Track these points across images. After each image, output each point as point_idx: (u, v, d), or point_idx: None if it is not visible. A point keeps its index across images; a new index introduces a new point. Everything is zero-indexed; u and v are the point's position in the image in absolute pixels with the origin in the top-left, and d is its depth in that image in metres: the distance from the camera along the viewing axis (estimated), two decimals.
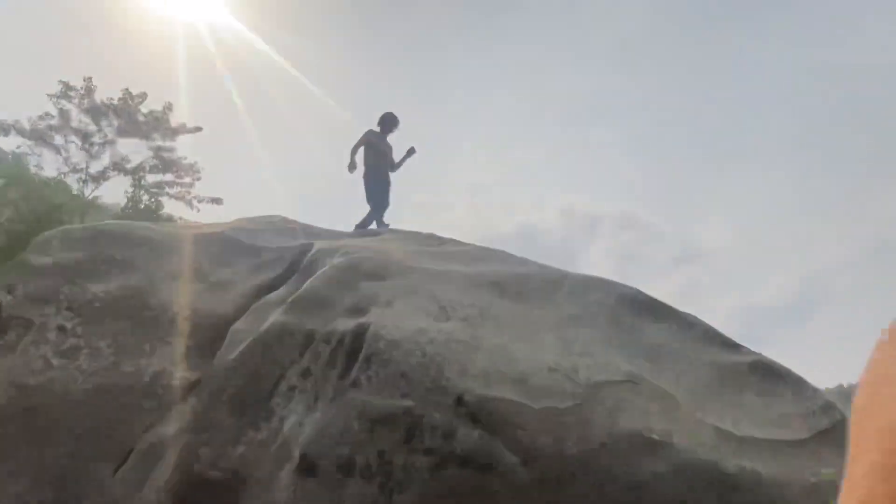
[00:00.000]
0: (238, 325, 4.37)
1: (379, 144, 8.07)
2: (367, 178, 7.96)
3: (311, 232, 6.34)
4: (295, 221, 6.70)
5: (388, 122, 8.24)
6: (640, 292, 4.32)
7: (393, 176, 8.16)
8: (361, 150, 8.03)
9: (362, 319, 3.89)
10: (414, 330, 3.71)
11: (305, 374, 3.82)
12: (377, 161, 7.99)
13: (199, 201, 15.88)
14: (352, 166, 7.89)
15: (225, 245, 5.42)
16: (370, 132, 8.16)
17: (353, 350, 3.73)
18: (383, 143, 8.16)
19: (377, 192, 7.93)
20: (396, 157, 8.18)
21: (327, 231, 6.58)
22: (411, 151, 8.08)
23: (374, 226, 7.75)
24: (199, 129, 16.47)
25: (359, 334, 3.79)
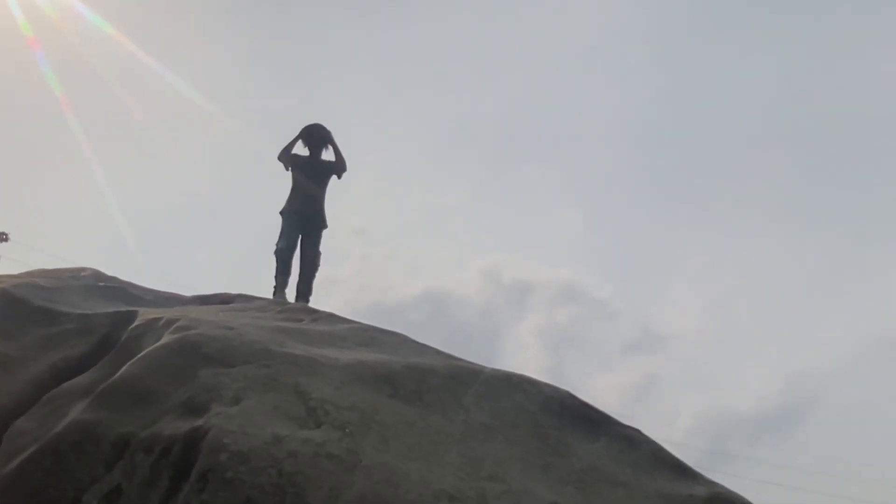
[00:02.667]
0: (20, 423, 4.20)
1: (308, 170, 8.53)
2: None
3: (135, 294, 6.24)
4: (114, 278, 6.56)
5: (308, 136, 8.63)
6: (570, 396, 4.52)
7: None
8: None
9: (199, 422, 3.85)
10: (269, 439, 3.71)
11: (114, 495, 3.70)
12: (300, 190, 8.44)
13: None
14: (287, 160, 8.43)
15: (9, 306, 5.27)
16: (296, 155, 8.61)
17: (184, 463, 3.67)
18: (316, 168, 8.60)
19: (283, 235, 8.31)
20: None
21: (158, 294, 6.49)
22: None
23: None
24: None
25: (193, 442, 3.73)
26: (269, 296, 7.85)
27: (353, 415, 4.04)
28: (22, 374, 4.66)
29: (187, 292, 7.07)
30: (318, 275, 8.41)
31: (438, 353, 5.18)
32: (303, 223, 8.39)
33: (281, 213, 8.44)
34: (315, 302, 8.01)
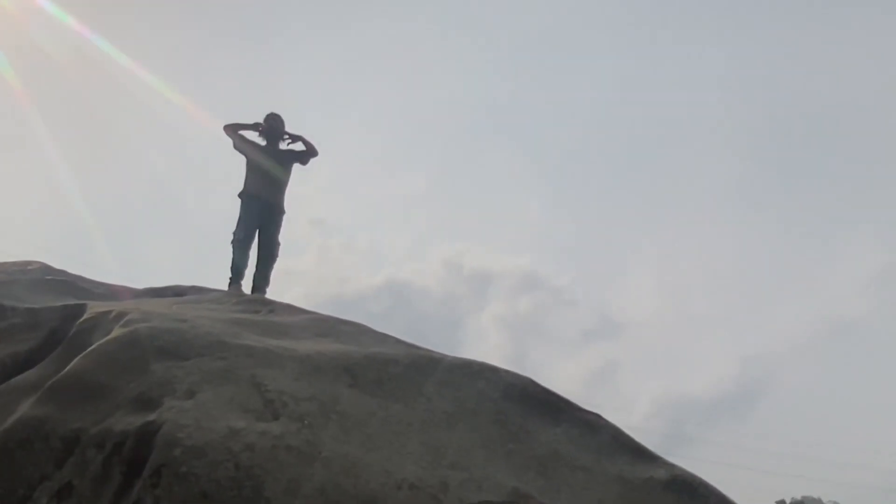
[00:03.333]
0: None
1: (266, 155, 8.36)
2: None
3: (84, 288, 6.17)
4: (63, 271, 6.50)
5: (268, 128, 8.51)
6: (532, 383, 4.55)
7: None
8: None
9: (152, 416, 3.83)
10: (225, 432, 3.69)
11: (65, 493, 3.68)
12: (257, 175, 8.30)
13: None
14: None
15: None
16: (253, 141, 8.50)
17: (137, 459, 3.65)
18: (274, 155, 8.44)
19: (240, 223, 8.15)
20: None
21: (109, 287, 6.43)
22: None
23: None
24: None
25: (146, 437, 3.71)
26: (225, 287, 7.76)
27: (311, 406, 4.04)
28: None
29: (140, 285, 7.03)
30: (275, 265, 8.30)
31: (398, 342, 5.19)
32: (262, 210, 8.22)
33: (239, 195, 8.29)
34: (272, 294, 7.92)
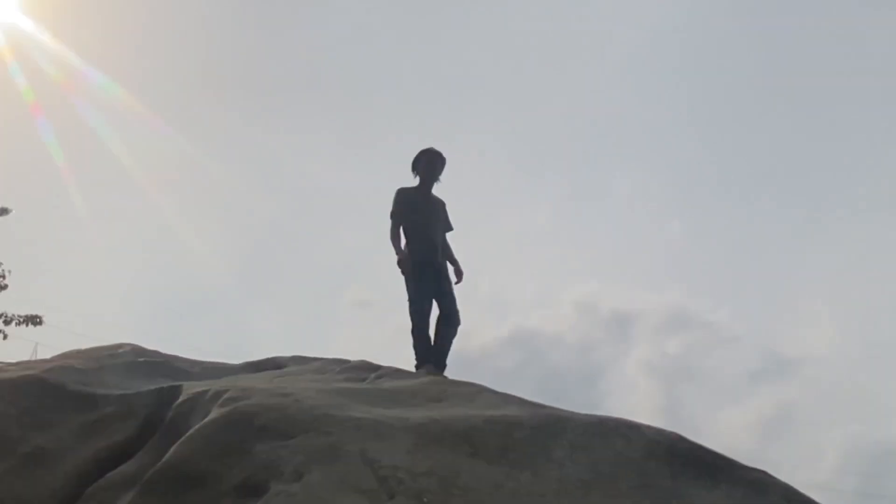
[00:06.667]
0: None
1: (423, 208, 7.62)
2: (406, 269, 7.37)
3: (180, 368, 6.34)
4: (156, 352, 6.65)
5: (427, 163, 7.63)
6: (680, 439, 4.43)
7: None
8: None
9: (259, 503, 3.86)
10: None
11: None
12: (421, 235, 7.52)
13: (7, 322, 15.78)
14: (405, 261, 7.35)
15: (43, 394, 5.38)
16: (403, 193, 7.65)
17: None
18: (430, 204, 7.71)
19: (415, 295, 7.34)
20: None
21: (203, 365, 6.57)
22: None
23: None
24: (5, 210, 16.59)
25: None
26: (325, 355, 7.39)
27: (430, 481, 4.01)
28: (62, 468, 4.75)
29: (235, 361, 7.14)
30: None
31: (522, 402, 5.14)
32: (434, 275, 7.46)
33: (404, 267, 7.38)
34: (390, 358, 7.28)
